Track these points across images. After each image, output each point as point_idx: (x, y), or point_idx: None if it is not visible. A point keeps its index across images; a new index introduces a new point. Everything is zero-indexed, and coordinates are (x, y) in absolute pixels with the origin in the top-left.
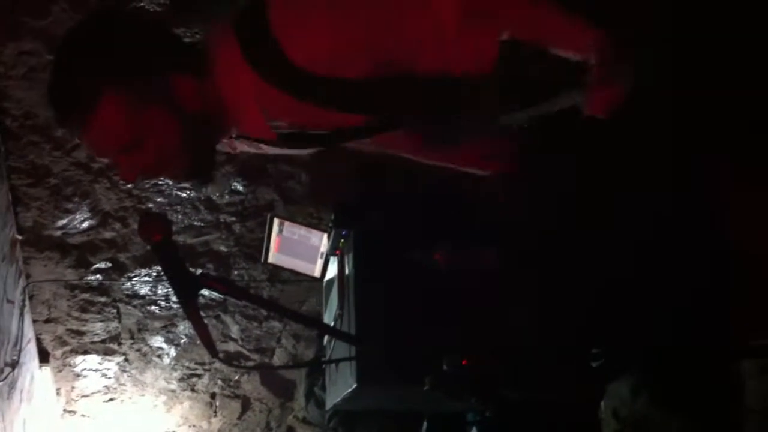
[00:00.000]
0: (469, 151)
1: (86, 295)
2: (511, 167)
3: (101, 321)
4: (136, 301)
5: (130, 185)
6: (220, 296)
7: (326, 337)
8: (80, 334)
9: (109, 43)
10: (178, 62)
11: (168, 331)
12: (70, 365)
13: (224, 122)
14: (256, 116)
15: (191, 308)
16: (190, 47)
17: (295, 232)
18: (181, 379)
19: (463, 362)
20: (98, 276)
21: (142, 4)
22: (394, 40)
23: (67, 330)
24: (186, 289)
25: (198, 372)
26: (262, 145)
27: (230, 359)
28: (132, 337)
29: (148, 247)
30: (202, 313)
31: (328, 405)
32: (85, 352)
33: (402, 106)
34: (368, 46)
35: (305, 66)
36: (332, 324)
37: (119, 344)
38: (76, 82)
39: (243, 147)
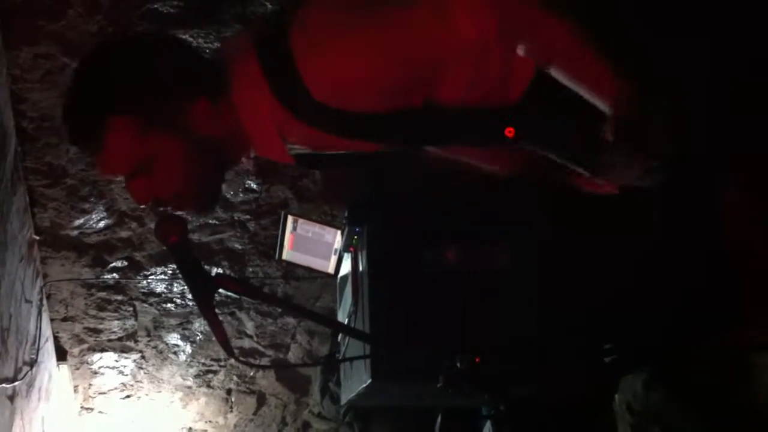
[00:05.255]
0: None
1: (103, 294)
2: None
3: (118, 319)
4: (152, 299)
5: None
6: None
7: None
8: (97, 332)
9: (122, 71)
10: (193, 87)
11: (184, 328)
12: (87, 363)
13: (241, 144)
14: (275, 141)
15: (207, 308)
16: (206, 66)
17: (309, 229)
18: (197, 376)
19: (476, 359)
20: (115, 275)
21: (155, 6)
22: (412, 72)
23: (84, 328)
24: (202, 289)
25: (214, 368)
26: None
27: (245, 355)
28: (148, 335)
29: (165, 247)
30: (217, 311)
31: (343, 400)
32: (102, 350)
33: (417, 135)
34: (388, 78)
35: (324, 99)
36: (346, 320)
37: (136, 342)
38: (89, 106)
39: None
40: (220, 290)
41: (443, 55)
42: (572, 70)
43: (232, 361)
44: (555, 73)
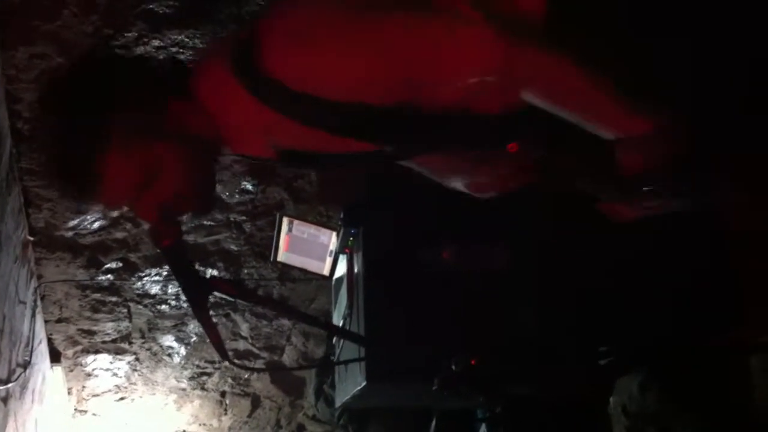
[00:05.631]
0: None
1: (97, 295)
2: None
3: (112, 321)
4: (146, 301)
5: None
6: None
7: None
8: (91, 333)
9: (100, 89)
10: (175, 86)
11: (178, 330)
12: (81, 365)
13: (217, 142)
14: (252, 137)
15: (201, 311)
16: (183, 68)
17: (305, 230)
18: (191, 378)
19: (472, 362)
20: (109, 276)
21: (151, 6)
22: (410, 72)
23: (79, 330)
24: (196, 292)
25: (208, 370)
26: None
27: (240, 357)
28: (143, 337)
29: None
30: (211, 312)
31: (338, 403)
32: (96, 352)
33: (414, 136)
34: (381, 76)
35: (310, 93)
36: (341, 322)
37: (130, 343)
38: (79, 142)
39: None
40: (215, 292)
41: (443, 60)
42: (581, 110)
43: (227, 363)
44: (563, 113)
